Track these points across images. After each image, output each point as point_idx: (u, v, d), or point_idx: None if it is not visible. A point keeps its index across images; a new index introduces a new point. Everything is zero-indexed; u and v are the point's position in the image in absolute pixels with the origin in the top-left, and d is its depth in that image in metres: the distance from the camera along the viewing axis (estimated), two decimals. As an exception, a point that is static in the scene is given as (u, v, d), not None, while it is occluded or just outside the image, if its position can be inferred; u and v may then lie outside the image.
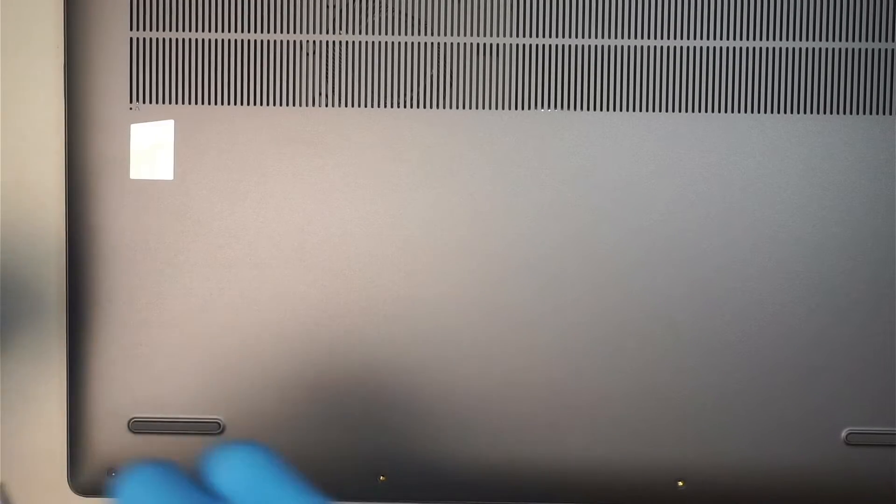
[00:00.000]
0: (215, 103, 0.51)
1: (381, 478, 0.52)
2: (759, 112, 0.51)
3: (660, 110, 0.51)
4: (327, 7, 0.50)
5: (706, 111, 0.51)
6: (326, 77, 0.51)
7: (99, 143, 0.51)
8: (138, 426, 0.52)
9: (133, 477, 0.36)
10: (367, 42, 0.50)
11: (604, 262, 0.51)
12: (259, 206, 0.51)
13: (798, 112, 0.51)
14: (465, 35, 0.50)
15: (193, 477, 0.36)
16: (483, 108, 0.51)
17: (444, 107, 0.51)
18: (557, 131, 0.51)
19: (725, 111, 0.51)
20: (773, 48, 0.50)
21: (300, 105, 0.51)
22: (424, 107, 0.51)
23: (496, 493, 0.52)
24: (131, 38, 0.51)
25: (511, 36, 0.50)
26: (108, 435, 0.52)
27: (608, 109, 0.51)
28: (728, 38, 0.50)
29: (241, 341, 0.51)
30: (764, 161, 0.51)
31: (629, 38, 0.50)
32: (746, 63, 0.50)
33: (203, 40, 0.51)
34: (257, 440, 0.38)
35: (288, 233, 0.51)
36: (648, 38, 0.50)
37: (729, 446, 0.52)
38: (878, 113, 0.50)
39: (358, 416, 0.52)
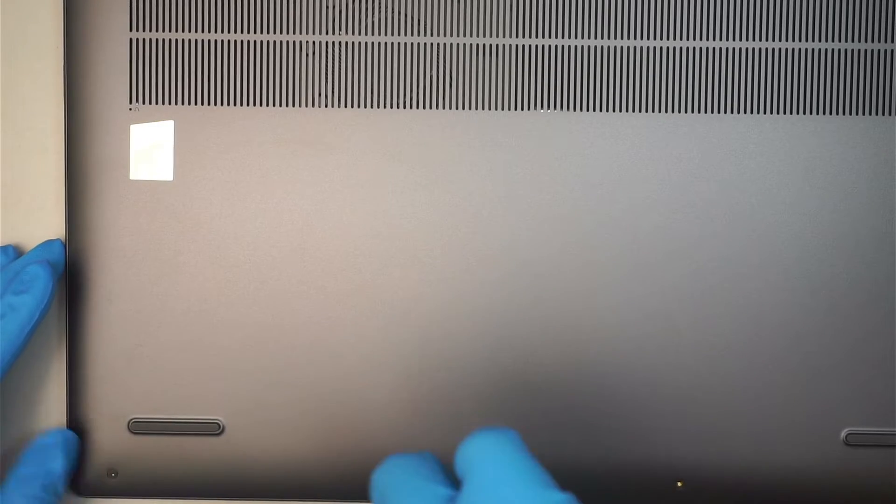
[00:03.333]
0: (215, 104, 0.51)
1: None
2: (758, 112, 0.50)
3: (657, 111, 0.50)
4: (325, 8, 0.50)
5: (704, 112, 0.50)
6: (325, 78, 0.51)
7: (99, 143, 0.51)
8: (138, 426, 0.52)
9: (386, 463, 0.39)
10: (364, 43, 0.50)
11: (602, 262, 0.51)
12: (258, 206, 0.51)
13: (797, 113, 0.50)
14: (461, 36, 0.50)
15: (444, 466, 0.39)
16: (480, 108, 0.50)
17: (440, 107, 0.51)
18: (554, 131, 0.51)
19: (724, 112, 0.50)
20: (772, 49, 0.50)
21: (298, 105, 0.51)
22: (421, 107, 0.51)
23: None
24: (131, 39, 0.51)
25: (507, 37, 0.50)
26: (108, 435, 0.52)
27: (605, 110, 0.50)
28: (726, 39, 0.50)
29: (241, 341, 0.51)
30: (763, 161, 0.51)
31: (625, 38, 0.50)
32: (745, 63, 0.50)
33: (202, 41, 0.51)
34: (506, 428, 0.40)
35: (287, 233, 0.51)
36: (645, 38, 0.50)
37: (729, 446, 0.52)
38: (877, 113, 0.50)
39: (357, 417, 0.52)
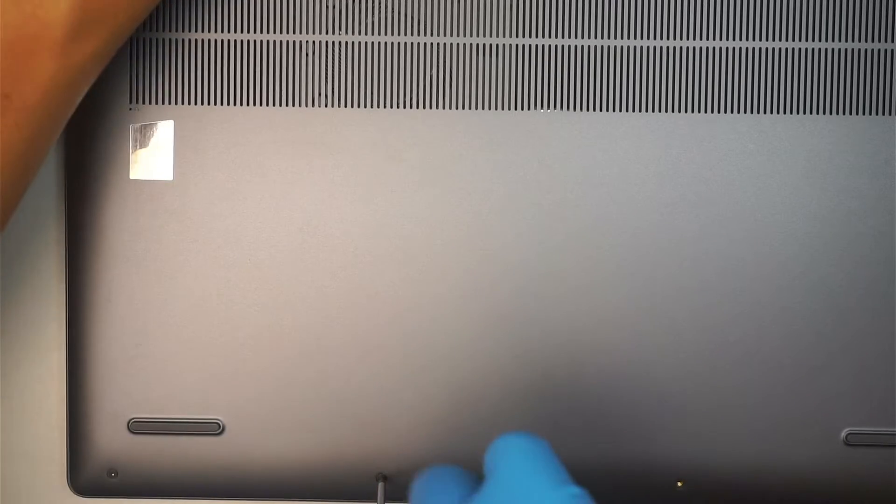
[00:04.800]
0: (215, 103, 0.51)
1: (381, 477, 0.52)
2: (758, 112, 0.50)
3: (657, 111, 0.50)
4: (325, 8, 0.50)
5: (704, 111, 0.50)
6: (325, 78, 0.51)
7: (99, 143, 0.51)
8: (138, 426, 0.52)
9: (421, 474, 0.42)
10: (364, 42, 0.50)
11: (602, 262, 0.51)
12: (258, 206, 0.51)
13: (797, 112, 0.50)
14: (461, 35, 0.50)
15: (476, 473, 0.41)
16: (480, 108, 0.50)
17: (441, 107, 0.51)
18: (554, 131, 0.51)
19: (724, 111, 0.50)
20: (772, 48, 0.50)
21: (298, 105, 0.51)
22: (421, 107, 0.51)
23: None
24: (131, 39, 0.51)
25: (507, 36, 0.50)
26: (108, 435, 0.52)
27: (605, 110, 0.50)
28: (727, 39, 0.50)
29: (242, 341, 0.51)
30: (763, 161, 0.51)
31: (626, 38, 0.50)
32: (745, 63, 0.50)
33: (202, 41, 0.51)
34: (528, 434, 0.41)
35: (287, 233, 0.51)
36: (645, 38, 0.50)
37: (729, 446, 0.52)
38: (877, 113, 0.50)
39: (358, 416, 0.52)
